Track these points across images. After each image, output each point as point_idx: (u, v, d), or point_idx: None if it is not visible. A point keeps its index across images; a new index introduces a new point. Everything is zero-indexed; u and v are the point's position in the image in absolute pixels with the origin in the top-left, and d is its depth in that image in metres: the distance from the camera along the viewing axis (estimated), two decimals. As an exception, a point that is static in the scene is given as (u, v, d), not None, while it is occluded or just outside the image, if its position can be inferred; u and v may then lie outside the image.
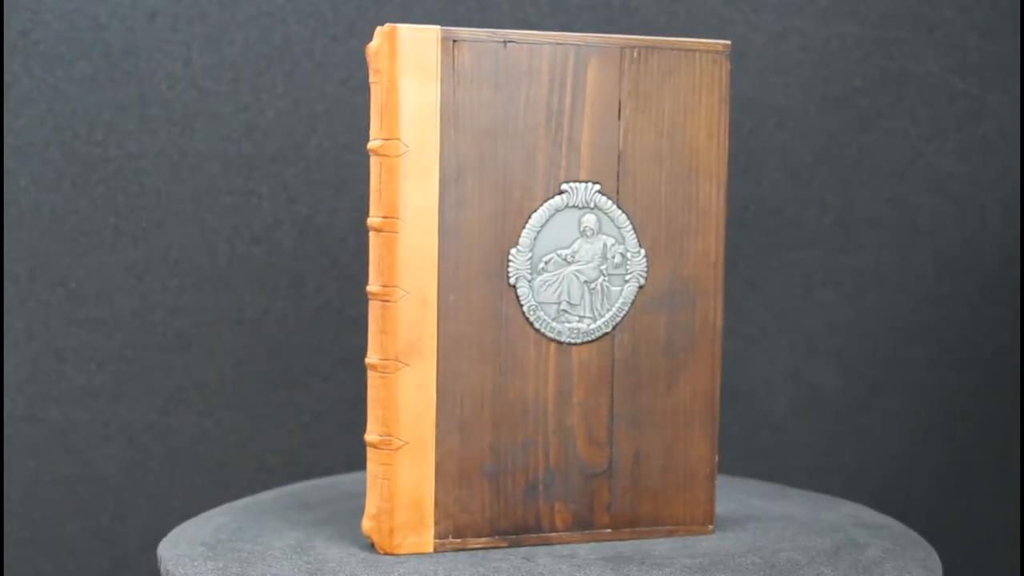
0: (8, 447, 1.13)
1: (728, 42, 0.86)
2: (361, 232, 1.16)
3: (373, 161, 0.79)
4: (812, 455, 1.23)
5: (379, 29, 0.79)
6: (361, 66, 1.14)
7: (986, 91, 1.21)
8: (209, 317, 1.15)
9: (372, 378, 0.80)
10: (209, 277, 1.14)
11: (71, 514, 1.14)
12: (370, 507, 0.80)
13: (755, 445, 1.22)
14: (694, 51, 0.84)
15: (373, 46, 0.79)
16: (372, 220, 0.79)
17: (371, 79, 0.79)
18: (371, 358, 0.80)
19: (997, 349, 1.24)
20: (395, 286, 0.78)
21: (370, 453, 0.80)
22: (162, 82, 1.12)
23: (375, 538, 0.80)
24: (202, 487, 1.15)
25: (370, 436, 0.80)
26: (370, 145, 0.79)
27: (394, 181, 0.78)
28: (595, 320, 0.83)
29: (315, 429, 1.17)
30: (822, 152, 1.20)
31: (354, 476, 1.00)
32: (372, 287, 0.80)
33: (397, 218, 0.78)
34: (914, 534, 0.89)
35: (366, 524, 0.81)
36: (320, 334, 1.16)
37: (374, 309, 0.80)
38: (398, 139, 0.78)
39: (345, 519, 0.87)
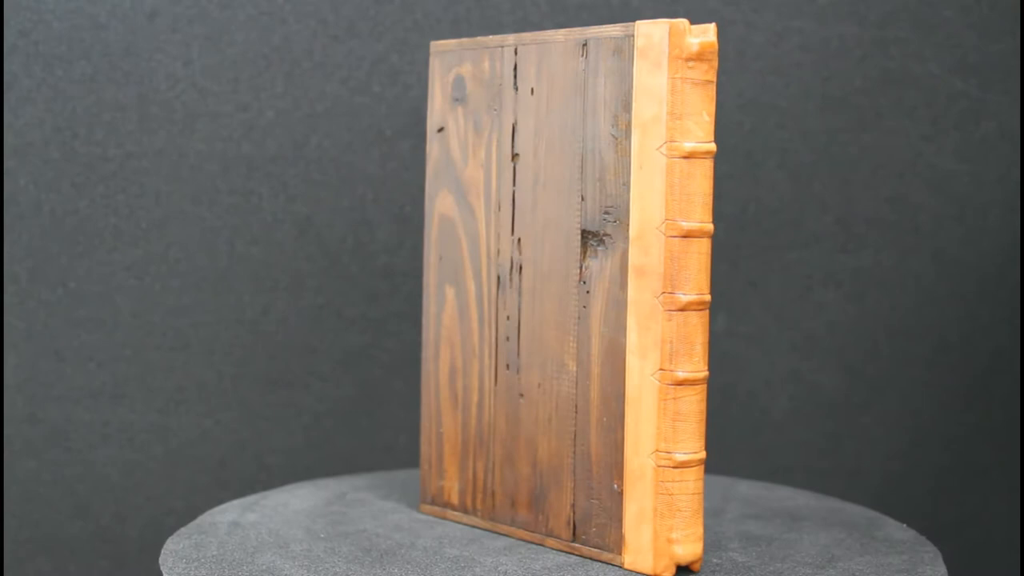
0: (8, 447, 1.13)
1: None
2: (360, 232, 1.16)
3: (692, 164, 0.75)
4: (812, 455, 1.23)
5: (711, 26, 0.75)
6: (360, 66, 1.14)
7: (986, 91, 1.21)
8: (209, 317, 1.15)
9: (694, 393, 0.76)
10: (209, 277, 1.14)
11: (71, 514, 1.14)
12: (695, 528, 0.76)
13: (755, 445, 1.22)
14: None
15: (706, 43, 0.74)
16: (697, 226, 0.75)
17: (702, 77, 0.75)
18: (698, 372, 0.76)
19: (996, 349, 1.24)
20: (709, 292, 0.77)
21: (682, 473, 0.76)
22: (162, 82, 1.12)
23: (696, 560, 0.77)
24: (202, 487, 1.15)
25: (697, 454, 0.76)
26: (697, 147, 0.75)
27: (712, 185, 0.76)
28: None
29: (315, 429, 1.17)
30: (822, 152, 1.20)
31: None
32: (698, 296, 0.75)
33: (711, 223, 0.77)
34: (921, 537, 0.89)
35: (688, 549, 0.76)
36: (320, 334, 1.16)
37: (694, 320, 0.75)
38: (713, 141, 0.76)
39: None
